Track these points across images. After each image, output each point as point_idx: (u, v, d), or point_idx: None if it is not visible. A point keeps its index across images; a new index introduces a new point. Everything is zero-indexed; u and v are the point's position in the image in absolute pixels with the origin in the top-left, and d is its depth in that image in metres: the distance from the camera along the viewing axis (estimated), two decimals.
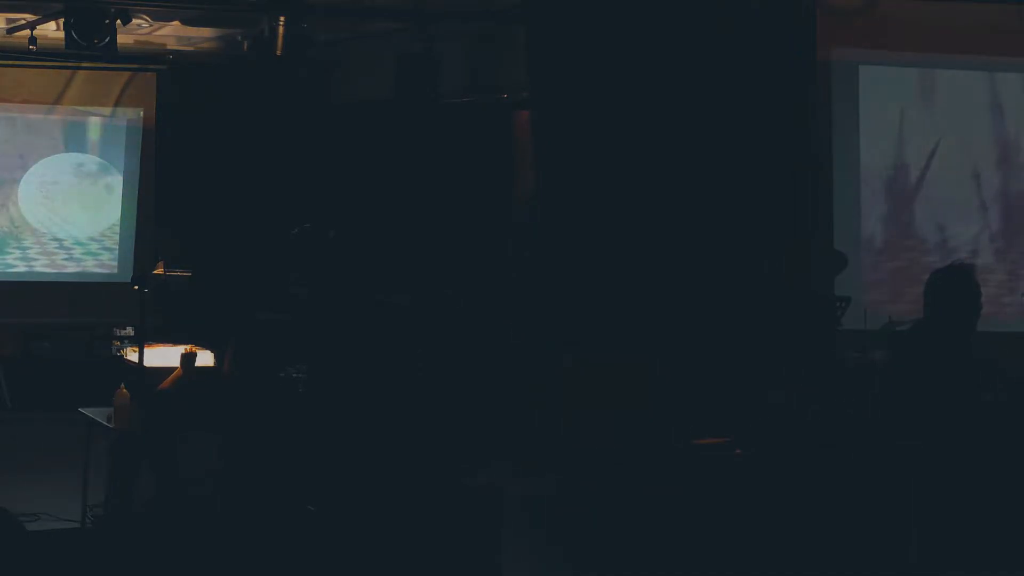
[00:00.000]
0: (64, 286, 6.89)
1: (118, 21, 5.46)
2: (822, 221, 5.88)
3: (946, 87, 5.56)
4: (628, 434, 3.97)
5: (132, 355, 3.87)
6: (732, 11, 5.08)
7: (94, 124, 7.00)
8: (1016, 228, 5.53)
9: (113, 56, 5.88)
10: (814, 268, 5.91)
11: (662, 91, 4.97)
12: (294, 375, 3.80)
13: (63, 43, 5.55)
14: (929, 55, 5.51)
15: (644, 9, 4.93)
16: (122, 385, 3.62)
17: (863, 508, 3.76)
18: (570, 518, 3.64)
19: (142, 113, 6.97)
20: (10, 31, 6.07)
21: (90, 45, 5.39)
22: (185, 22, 6.25)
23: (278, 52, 5.86)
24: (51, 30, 5.90)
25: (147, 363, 3.69)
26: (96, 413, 3.79)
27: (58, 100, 6.84)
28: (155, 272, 4.20)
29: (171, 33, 6.53)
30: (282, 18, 5.76)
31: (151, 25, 6.22)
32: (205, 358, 3.82)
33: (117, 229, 6.99)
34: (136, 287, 3.88)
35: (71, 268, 6.96)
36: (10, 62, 6.54)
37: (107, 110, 6.95)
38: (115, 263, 6.99)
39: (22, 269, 6.84)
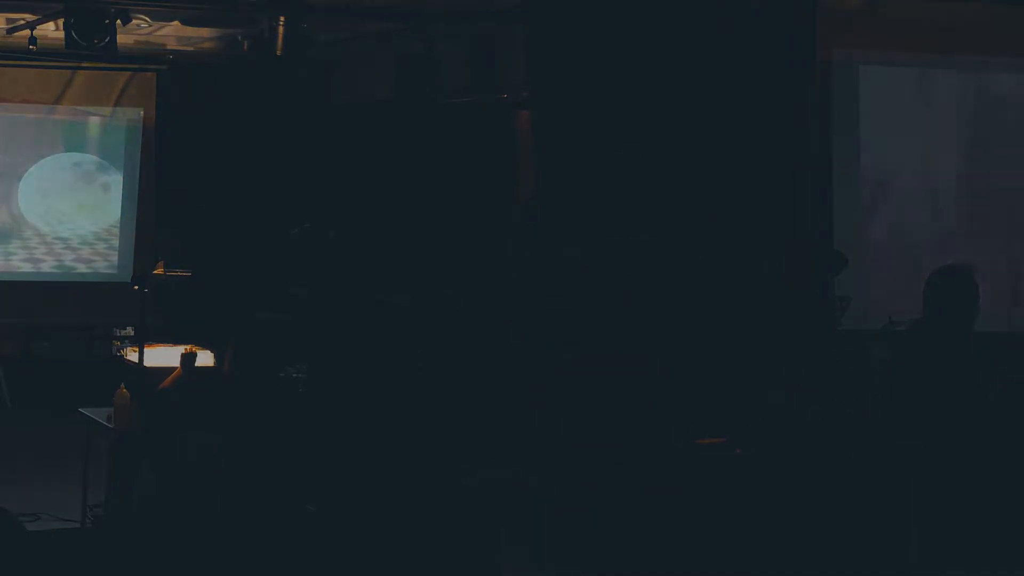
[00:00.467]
0: (64, 286, 6.89)
1: (118, 21, 5.46)
2: (822, 221, 5.88)
3: (944, 87, 5.57)
4: (628, 434, 3.96)
5: (132, 355, 3.87)
6: (732, 11, 5.08)
7: (94, 124, 7.00)
8: (1017, 227, 5.53)
9: (113, 56, 5.89)
10: (814, 268, 5.92)
11: (662, 90, 4.97)
12: (294, 375, 3.80)
13: (63, 43, 5.56)
14: (929, 55, 5.52)
15: (643, 9, 4.93)
16: (122, 385, 3.62)
17: (863, 508, 3.76)
18: (567, 518, 3.64)
19: (142, 113, 6.96)
20: (10, 31, 6.07)
21: (90, 45, 5.39)
22: (185, 22, 6.23)
23: (278, 52, 5.86)
24: (51, 30, 5.90)
25: (147, 363, 3.69)
26: (96, 413, 3.79)
27: (58, 100, 6.83)
28: (155, 272, 4.20)
29: (171, 33, 6.51)
30: (282, 18, 5.77)
31: (151, 25, 6.21)
32: (205, 358, 3.82)
33: (117, 229, 6.98)
34: (136, 287, 3.88)
35: (71, 268, 6.95)
36: (10, 62, 6.54)
37: (107, 110, 6.95)
38: (115, 263, 6.98)
39: (22, 269, 6.84)
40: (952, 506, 3.76)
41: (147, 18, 6.00)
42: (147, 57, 6.87)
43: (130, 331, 6.23)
